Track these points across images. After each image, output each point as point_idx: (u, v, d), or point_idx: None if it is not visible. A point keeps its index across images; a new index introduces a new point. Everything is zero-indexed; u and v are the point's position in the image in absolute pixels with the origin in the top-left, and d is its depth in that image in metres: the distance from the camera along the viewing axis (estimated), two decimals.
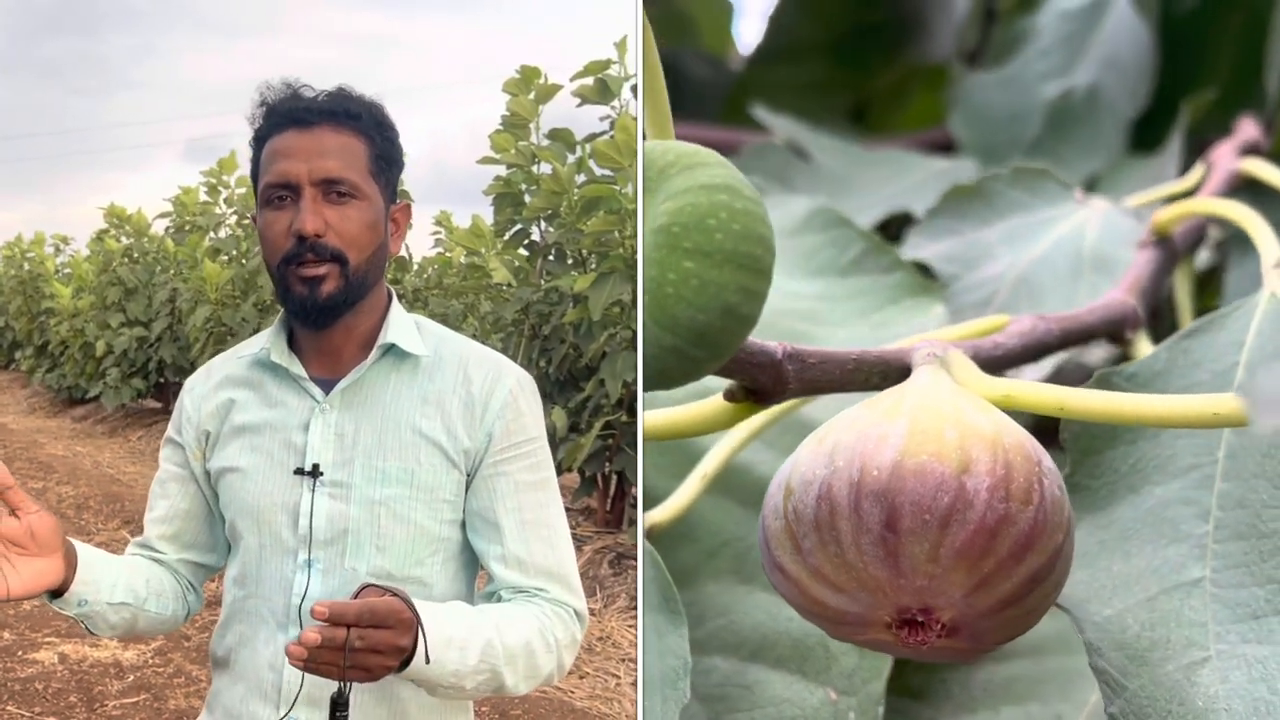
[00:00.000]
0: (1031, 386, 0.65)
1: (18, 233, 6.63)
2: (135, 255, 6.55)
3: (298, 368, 1.00)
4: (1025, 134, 1.48)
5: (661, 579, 0.76)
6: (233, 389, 1.03)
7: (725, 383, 0.72)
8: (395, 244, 1.04)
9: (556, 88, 4.44)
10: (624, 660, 3.27)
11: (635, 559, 3.84)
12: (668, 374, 0.61)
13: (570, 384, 4.10)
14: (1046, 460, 0.58)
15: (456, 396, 0.99)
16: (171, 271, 6.34)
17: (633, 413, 3.88)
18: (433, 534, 0.98)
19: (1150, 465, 0.67)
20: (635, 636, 3.42)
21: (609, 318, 3.92)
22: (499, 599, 0.99)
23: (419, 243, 4.86)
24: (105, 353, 6.42)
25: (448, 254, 5.54)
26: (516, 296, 4.46)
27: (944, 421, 0.57)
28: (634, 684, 3.14)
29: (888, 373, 0.69)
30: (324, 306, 0.97)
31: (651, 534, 0.81)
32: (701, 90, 1.75)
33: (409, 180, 1.11)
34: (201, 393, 1.06)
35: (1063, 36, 1.52)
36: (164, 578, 1.06)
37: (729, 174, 0.61)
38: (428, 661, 0.87)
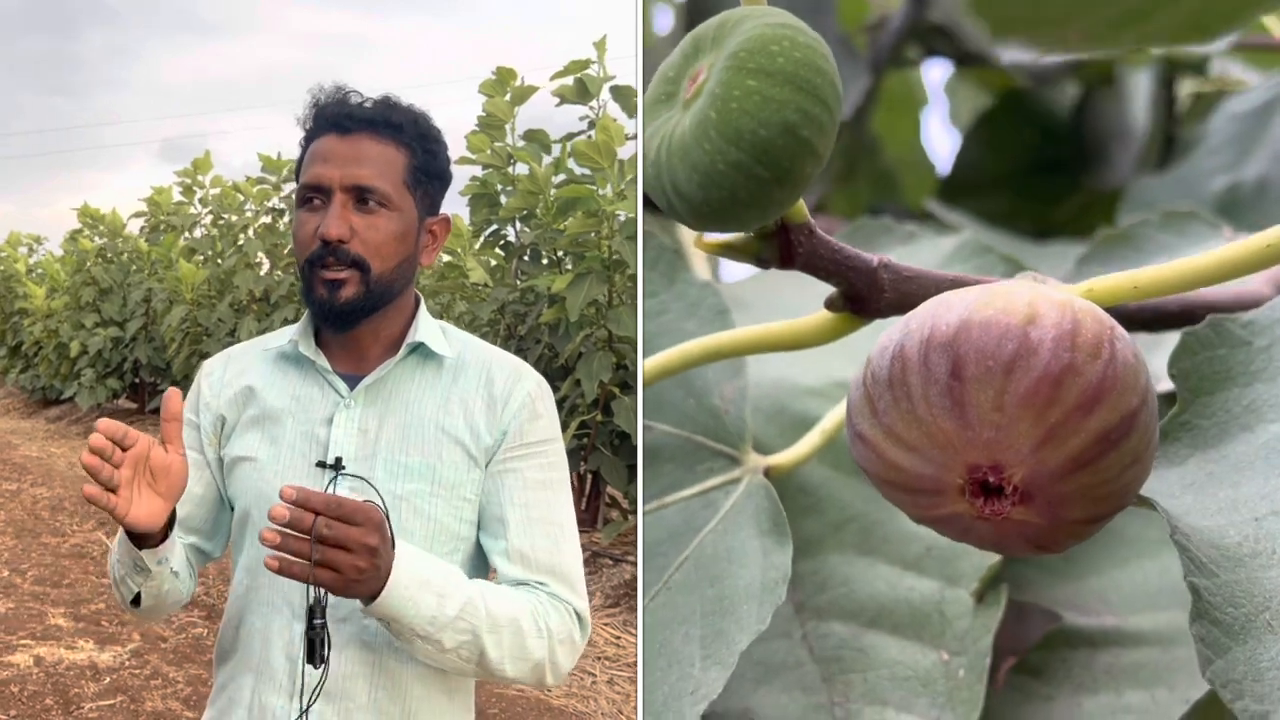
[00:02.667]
0: (1109, 278, 0.67)
1: None
2: (109, 255, 6.52)
3: (324, 361, 1.02)
4: None
5: (773, 509, 0.80)
6: (253, 377, 1.04)
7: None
8: (429, 256, 1.05)
9: (533, 89, 4.43)
10: (600, 659, 3.28)
11: (609, 558, 3.85)
12: (736, 196, 0.63)
13: None
14: (1121, 330, 0.58)
15: (479, 396, 1.00)
16: (146, 272, 6.31)
17: (608, 412, 3.88)
18: (453, 531, 0.99)
19: (1265, 405, 0.67)
20: (611, 635, 3.43)
21: (585, 318, 3.92)
22: None
23: None
24: (80, 353, 6.38)
25: None
26: (492, 297, 4.46)
27: (1016, 289, 0.59)
28: (609, 682, 3.15)
29: None
30: (342, 310, 0.99)
31: (769, 474, 0.84)
32: None
33: None
34: (220, 378, 1.06)
35: (1232, 136, 1.57)
36: (186, 558, 1.05)
37: (795, 21, 0.65)
38: (393, 545, 0.88)
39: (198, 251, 5.94)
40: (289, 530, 0.84)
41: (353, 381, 1.01)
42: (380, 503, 0.90)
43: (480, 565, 1.02)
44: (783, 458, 0.84)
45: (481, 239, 4.62)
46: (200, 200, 6.14)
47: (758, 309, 0.90)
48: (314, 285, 0.99)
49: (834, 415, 0.84)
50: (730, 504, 0.82)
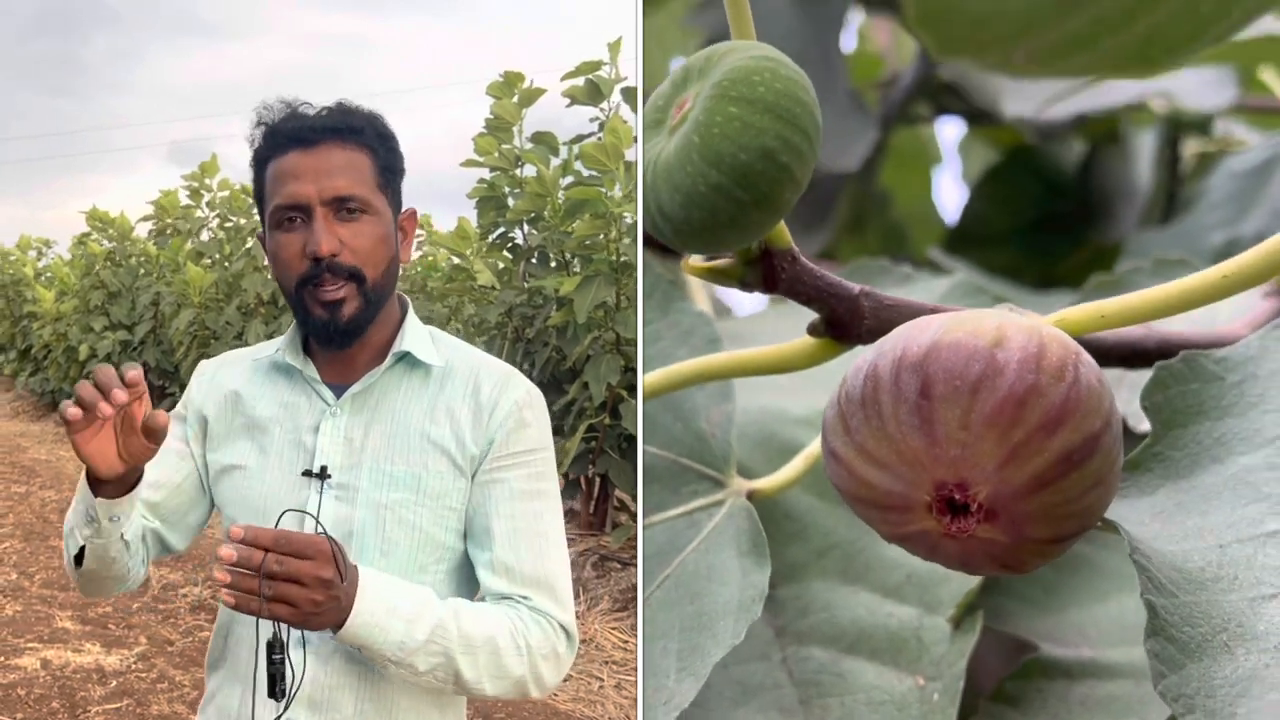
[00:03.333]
0: (1077, 308, 0.69)
1: None
2: (118, 259, 6.53)
3: (311, 370, 1.02)
4: None
5: (754, 530, 0.82)
6: (242, 384, 1.05)
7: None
8: (405, 252, 1.05)
9: (540, 91, 4.43)
10: (607, 663, 3.28)
11: (618, 561, 3.86)
12: (717, 217, 0.66)
13: (553, 387, 4.10)
14: (1087, 355, 0.60)
15: (466, 405, 1.00)
16: (154, 275, 6.32)
17: (616, 415, 3.89)
18: (438, 541, 0.99)
19: (1235, 438, 0.68)
20: (618, 639, 3.44)
21: (593, 320, 3.93)
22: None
23: None
24: (89, 356, 6.39)
25: (429, 257, 5.55)
26: (500, 299, 4.46)
27: (986, 314, 0.61)
28: (617, 686, 3.15)
29: None
30: (346, 329, 0.99)
31: (753, 497, 0.86)
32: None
33: None
34: (210, 379, 1.07)
35: (1232, 193, 1.59)
36: (142, 538, 1.05)
37: (779, 55, 0.68)
38: (343, 579, 0.87)
39: (205, 255, 5.96)
40: (239, 569, 0.85)
41: (340, 390, 1.01)
42: (326, 535, 0.90)
43: (472, 576, 1.02)
44: (766, 482, 0.86)
45: (489, 241, 4.63)
46: (207, 203, 6.15)
47: (761, 343, 0.92)
48: (310, 308, 0.98)
49: (818, 443, 0.85)
50: (713, 525, 0.83)
